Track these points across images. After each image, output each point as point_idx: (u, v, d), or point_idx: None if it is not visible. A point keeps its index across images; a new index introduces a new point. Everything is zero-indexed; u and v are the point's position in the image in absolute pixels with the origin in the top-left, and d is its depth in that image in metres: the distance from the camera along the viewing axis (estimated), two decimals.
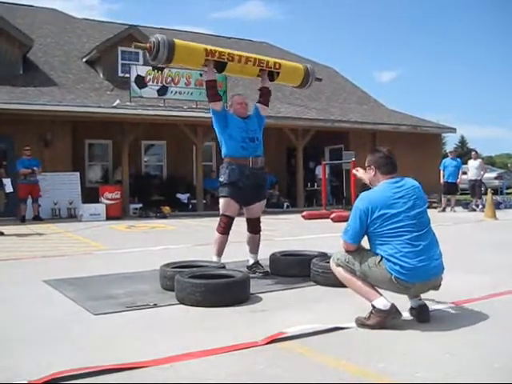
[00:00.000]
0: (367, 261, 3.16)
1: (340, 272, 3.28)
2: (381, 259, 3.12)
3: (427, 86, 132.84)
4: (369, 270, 3.14)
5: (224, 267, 4.37)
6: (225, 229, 4.73)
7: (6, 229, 9.26)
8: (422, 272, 3.07)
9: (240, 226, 5.04)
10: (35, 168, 11.99)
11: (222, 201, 4.76)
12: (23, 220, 11.72)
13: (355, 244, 3.23)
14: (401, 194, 3.17)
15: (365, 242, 3.28)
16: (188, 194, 15.52)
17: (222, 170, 4.76)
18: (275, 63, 5.01)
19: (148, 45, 4.37)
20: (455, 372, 2.41)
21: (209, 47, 4.66)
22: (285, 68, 5.13)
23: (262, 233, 4.98)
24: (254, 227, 4.91)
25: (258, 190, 4.78)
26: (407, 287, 3.11)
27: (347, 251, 3.26)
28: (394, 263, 3.07)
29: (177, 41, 4.46)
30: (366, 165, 3.36)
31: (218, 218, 4.82)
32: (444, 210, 14.16)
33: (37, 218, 12.00)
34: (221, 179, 4.75)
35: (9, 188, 9.94)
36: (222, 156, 4.83)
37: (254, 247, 4.93)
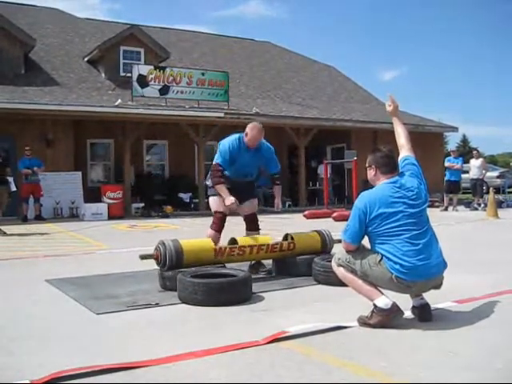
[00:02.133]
0: (368, 260, 3.16)
1: (341, 271, 3.28)
2: (381, 258, 3.12)
3: (429, 85, 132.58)
4: (369, 269, 3.14)
5: (224, 266, 4.38)
6: (218, 225, 4.79)
7: (8, 228, 9.27)
8: (423, 270, 3.07)
9: (243, 225, 5.06)
10: (35, 168, 12.00)
11: (211, 200, 4.87)
12: (25, 220, 11.75)
13: (354, 244, 3.23)
14: (400, 194, 3.17)
15: (366, 242, 3.28)
16: (190, 194, 15.52)
17: (208, 175, 4.95)
18: (289, 244, 4.72)
19: (155, 253, 4.26)
20: (458, 371, 2.40)
21: (218, 246, 4.43)
22: (300, 243, 4.82)
23: (264, 232, 4.99)
24: (251, 224, 4.94)
25: (244, 189, 4.86)
26: (408, 286, 3.11)
27: (347, 251, 3.26)
28: (395, 262, 3.07)
29: (184, 245, 4.25)
30: (367, 165, 3.36)
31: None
32: (446, 209, 14.14)
33: (39, 218, 12.02)
34: (207, 183, 4.94)
35: (12, 187, 9.98)
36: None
37: None
